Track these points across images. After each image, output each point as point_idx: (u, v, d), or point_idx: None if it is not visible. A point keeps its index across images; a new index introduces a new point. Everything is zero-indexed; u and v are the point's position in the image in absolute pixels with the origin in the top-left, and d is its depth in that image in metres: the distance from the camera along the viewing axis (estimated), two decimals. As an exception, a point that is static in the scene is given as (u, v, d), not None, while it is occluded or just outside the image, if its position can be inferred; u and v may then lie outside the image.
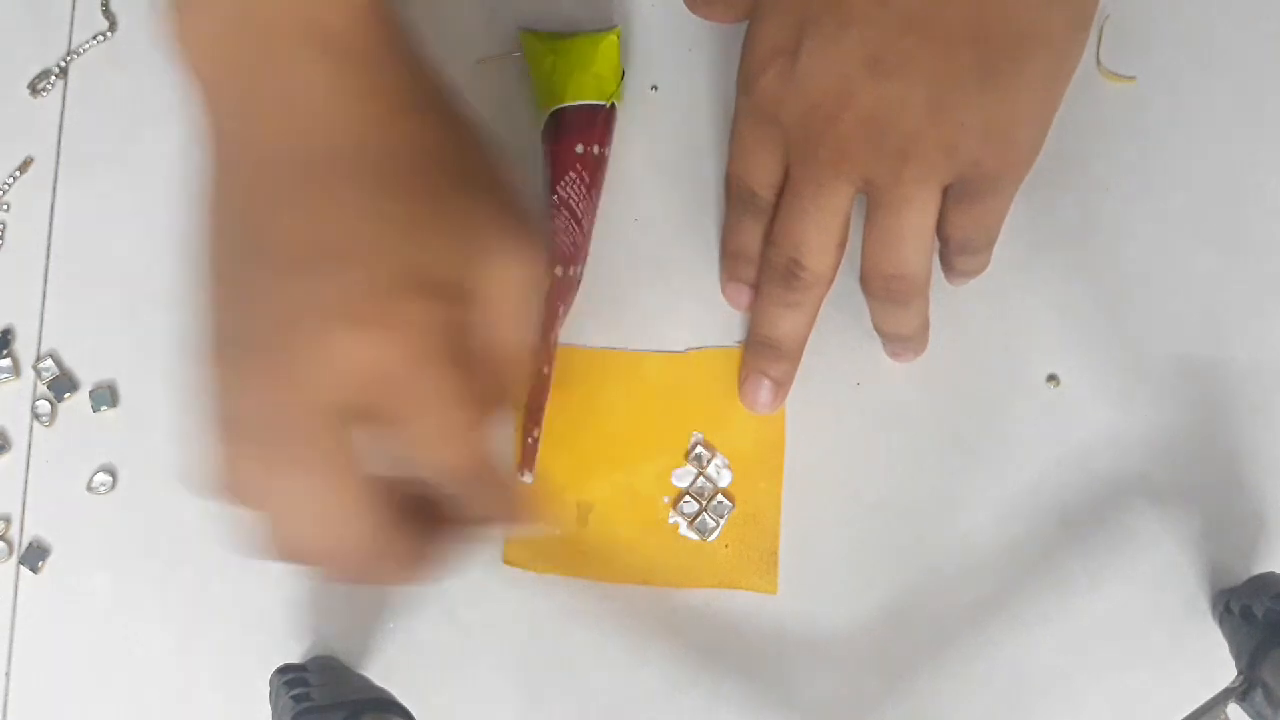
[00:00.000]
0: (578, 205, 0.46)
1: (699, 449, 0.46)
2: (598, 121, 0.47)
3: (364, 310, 0.32)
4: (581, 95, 0.46)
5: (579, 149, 0.46)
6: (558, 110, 0.46)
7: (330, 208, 0.33)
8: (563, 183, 0.46)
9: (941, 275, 0.45)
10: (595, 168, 0.47)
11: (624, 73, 0.48)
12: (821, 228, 0.42)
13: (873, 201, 0.41)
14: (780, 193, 0.43)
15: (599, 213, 0.48)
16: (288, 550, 0.34)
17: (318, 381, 0.32)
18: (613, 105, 0.47)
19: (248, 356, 0.32)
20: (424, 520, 0.35)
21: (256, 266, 0.33)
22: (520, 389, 0.36)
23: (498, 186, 0.36)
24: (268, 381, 0.32)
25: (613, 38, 0.47)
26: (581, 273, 0.47)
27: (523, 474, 0.46)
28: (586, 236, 0.47)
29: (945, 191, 0.40)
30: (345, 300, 0.32)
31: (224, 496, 0.34)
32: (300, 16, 0.34)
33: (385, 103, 0.34)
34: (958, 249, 0.43)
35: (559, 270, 0.46)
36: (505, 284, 0.34)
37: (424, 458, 0.33)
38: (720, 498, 0.46)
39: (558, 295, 0.46)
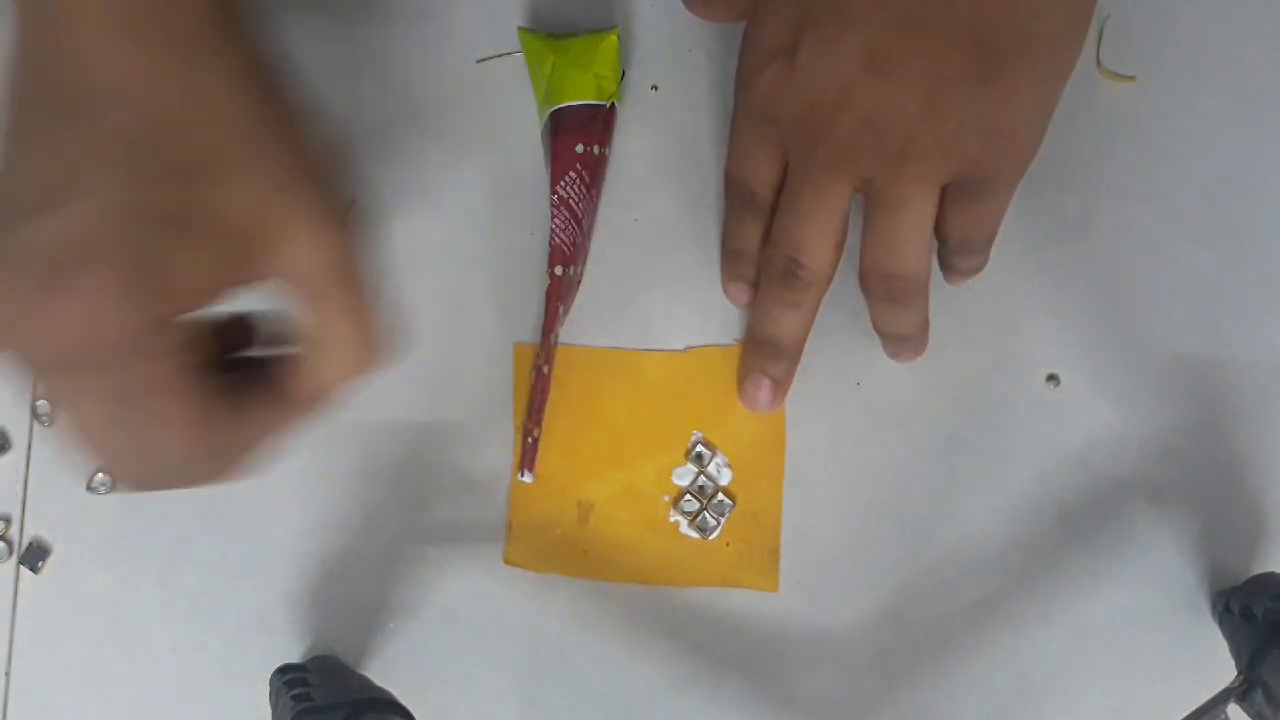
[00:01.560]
0: (578, 205, 0.46)
1: (699, 448, 0.46)
2: (598, 121, 0.47)
3: (56, 268, 0.30)
4: (581, 95, 0.46)
5: (579, 149, 0.46)
6: (558, 110, 0.46)
7: (75, 148, 0.31)
8: (563, 182, 0.46)
9: (941, 275, 0.45)
10: (595, 167, 0.47)
11: (624, 73, 0.48)
12: (820, 227, 0.42)
13: (871, 201, 0.41)
14: (779, 192, 0.43)
15: (599, 212, 0.48)
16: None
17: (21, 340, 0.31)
18: (613, 105, 0.47)
19: None
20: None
21: None
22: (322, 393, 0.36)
23: (284, 175, 0.33)
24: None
25: (613, 38, 0.47)
26: (581, 272, 0.47)
27: (523, 474, 0.46)
28: (586, 236, 0.47)
29: (943, 191, 0.40)
30: (41, 251, 0.30)
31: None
32: None
33: (176, 62, 0.32)
34: (956, 249, 0.43)
35: (559, 270, 0.46)
36: (303, 282, 0.33)
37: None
38: (721, 496, 0.46)
39: (557, 295, 0.46)
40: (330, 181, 0.34)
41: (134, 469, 0.34)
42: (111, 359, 0.31)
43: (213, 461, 0.34)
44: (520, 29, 0.48)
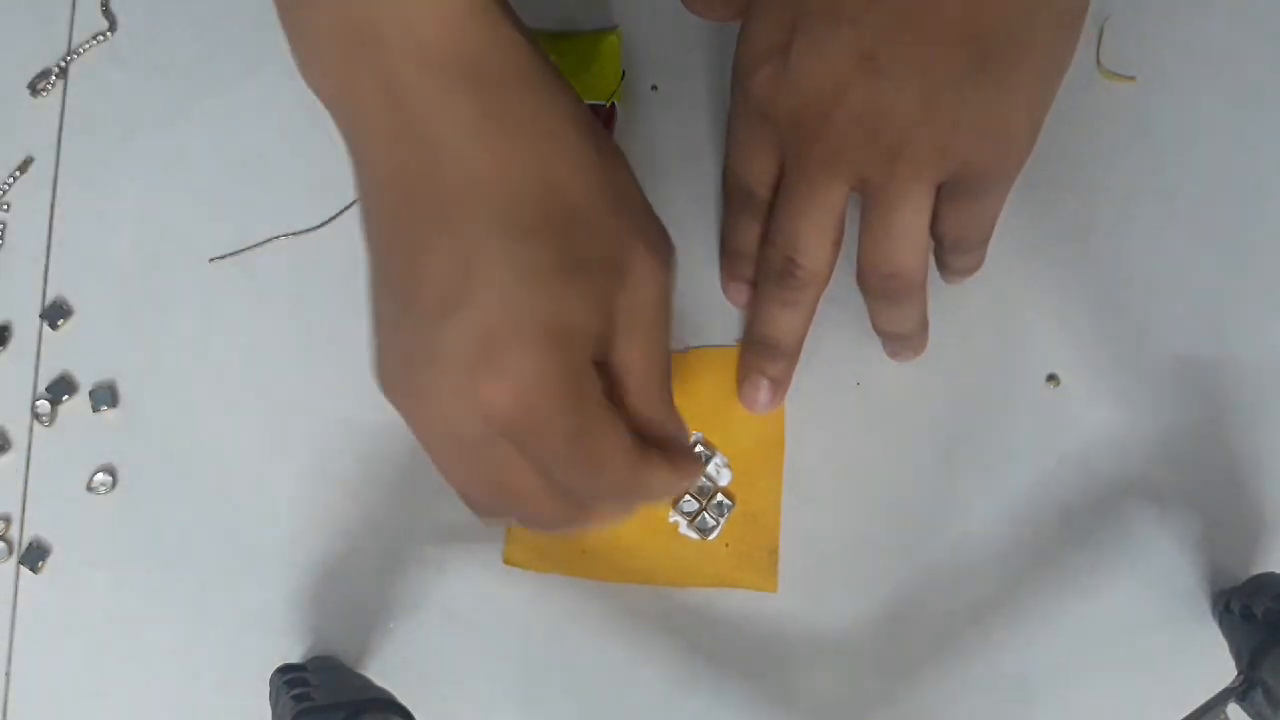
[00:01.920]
0: (578, 205, 0.46)
1: (699, 448, 0.46)
2: (598, 121, 0.47)
3: (472, 357, 0.33)
4: (582, 95, 0.46)
5: (579, 149, 0.46)
6: (558, 110, 0.46)
7: (443, 245, 0.33)
8: (562, 183, 0.46)
9: (939, 275, 0.45)
10: (596, 168, 0.46)
11: (624, 73, 0.48)
12: (816, 226, 0.42)
13: (867, 200, 0.41)
14: (777, 190, 0.43)
15: (599, 213, 0.48)
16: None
17: (447, 418, 0.34)
18: (613, 105, 0.47)
19: (383, 387, 0.35)
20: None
21: (380, 293, 0.35)
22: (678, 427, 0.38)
23: (611, 217, 0.35)
24: (402, 414, 0.35)
25: (613, 38, 0.47)
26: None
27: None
28: (586, 236, 0.47)
29: (939, 190, 0.40)
30: (453, 345, 0.33)
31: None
32: (420, 37, 0.33)
33: (514, 131, 0.34)
34: (951, 247, 0.43)
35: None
36: (636, 317, 0.35)
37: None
38: (720, 497, 0.46)
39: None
40: (656, 221, 0.37)
41: (574, 515, 0.36)
42: (548, 416, 0.33)
43: (646, 491, 0.37)
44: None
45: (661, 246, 0.36)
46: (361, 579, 0.46)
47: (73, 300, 0.49)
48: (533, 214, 0.34)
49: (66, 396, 0.48)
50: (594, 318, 0.34)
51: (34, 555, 0.47)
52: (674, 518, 0.46)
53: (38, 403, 0.48)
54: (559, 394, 0.33)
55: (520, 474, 0.35)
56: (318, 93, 0.35)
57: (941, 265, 0.44)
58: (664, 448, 0.36)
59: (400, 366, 0.34)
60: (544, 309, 0.33)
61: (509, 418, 0.33)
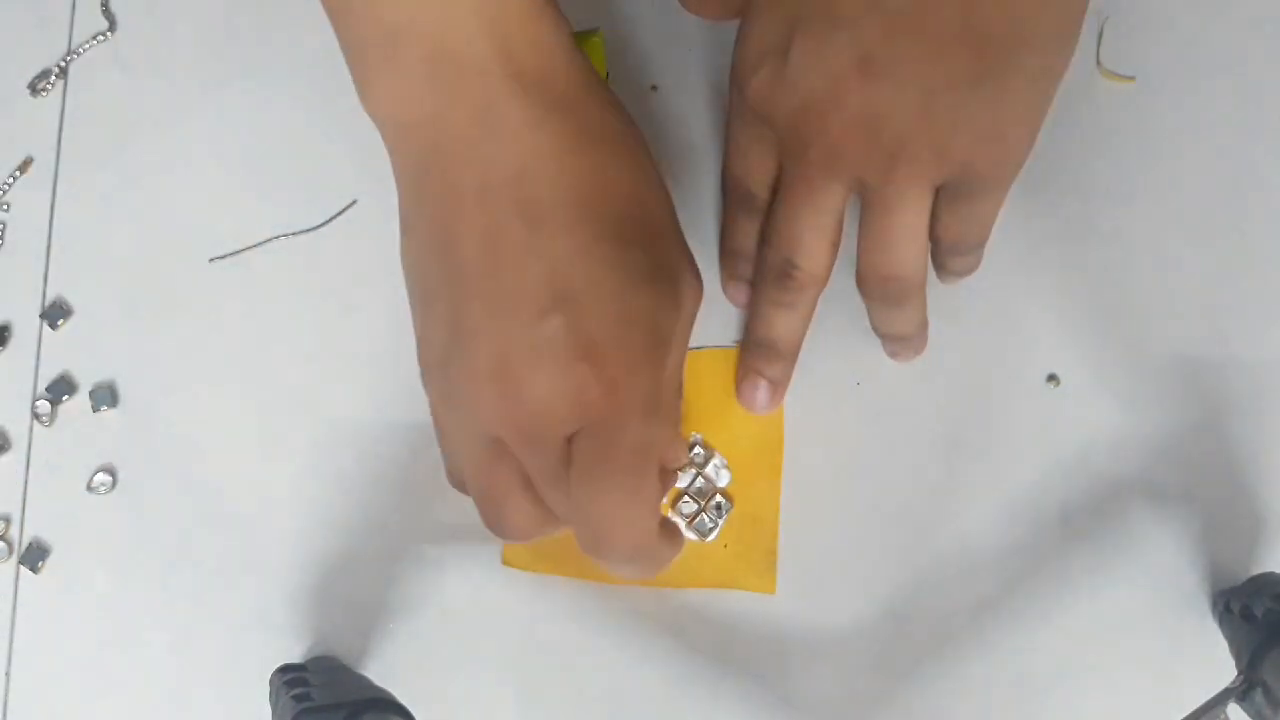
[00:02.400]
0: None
1: (697, 449, 0.46)
2: None
3: (573, 350, 0.35)
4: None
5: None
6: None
7: (545, 248, 0.35)
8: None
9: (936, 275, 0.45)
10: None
11: (609, 74, 0.48)
12: (815, 227, 0.42)
13: (866, 202, 0.41)
14: (776, 191, 0.43)
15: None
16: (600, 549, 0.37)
17: (534, 416, 0.35)
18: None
19: (465, 385, 0.36)
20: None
21: (468, 297, 0.36)
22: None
23: (676, 234, 0.39)
24: (486, 409, 0.35)
25: (596, 40, 0.47)
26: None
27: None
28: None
29: (937, 192, 0.40)
30: (555, 340, 0.35)
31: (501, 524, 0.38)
32: (520, 65, 0.36)
33: (589, 144, 0.37)
34: (950, 249, 0.43)
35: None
36: (682, 331, 0.38)
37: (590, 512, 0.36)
38: (719, 498, 0.46)
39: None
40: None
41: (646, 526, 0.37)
42: (631, 414, 0.35)
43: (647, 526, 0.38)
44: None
45: (696, 266, 0.39)
46: (361, 579, 0.46)
47: (73, 300, 0.49)
48: (629, 225, 0.37)
49: (66, 396, 0.48)
50: (672, 321, 0.37)
51: (34, 555, 0.47)
52: (673, 519, 0.46)
53: (38, 403, 0.48)
54: (647, 395, 0.36)
55: (553, 482, 0.36)
56: (390, 118, 0.37)
57: (939, 266, 0.44)
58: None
59: (489, 362, 0.35)
60: (643, 313, 0.36)
61: (599, 408, 0.35)
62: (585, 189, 0.36)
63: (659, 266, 0.37)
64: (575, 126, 0.37)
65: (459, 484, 0.40)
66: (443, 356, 0.36)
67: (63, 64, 0.50)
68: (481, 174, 0.36)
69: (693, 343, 0.47)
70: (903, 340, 0.45)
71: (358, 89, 0.38)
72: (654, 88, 0.49)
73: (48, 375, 0.48)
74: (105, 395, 0.48)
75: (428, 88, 0.36)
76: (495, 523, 0.38)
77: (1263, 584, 0.43)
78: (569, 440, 0.36)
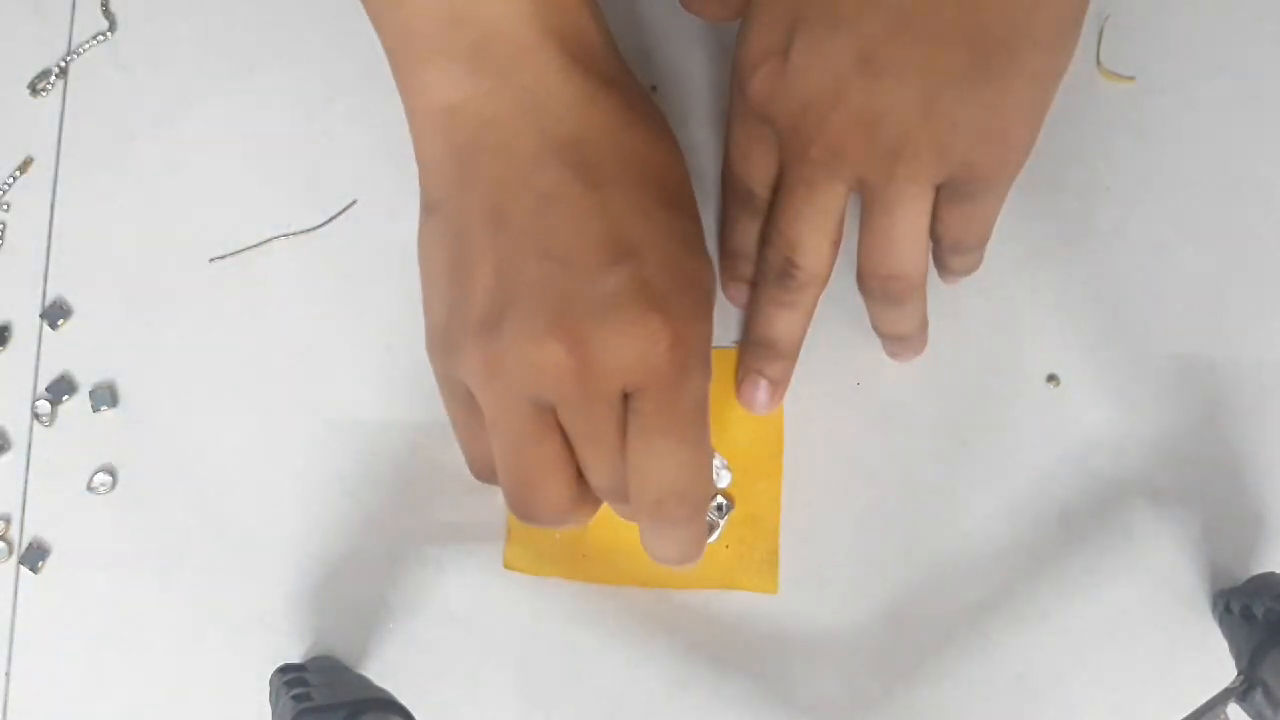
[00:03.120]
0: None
1: (698, 449, 0.46)
2: None
3: (641, 298, 0.35)
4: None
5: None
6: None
7: (607, 206, 0.37)
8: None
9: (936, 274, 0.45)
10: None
11: None
12: (815, 227, 0.42)
13: (866, 201, 0.41)
14: (776, 191, 0.43)
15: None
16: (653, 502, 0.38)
17: (598, 369, 0.35)
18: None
19: (521, 344, 0.36)
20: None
21: (524, 258, 0.36)
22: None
23: (699, 215, 0.40)
24: (546, 364, 0.35)
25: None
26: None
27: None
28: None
29: (938, 191, 0.40)
30: (622, 290, 0.35)
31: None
32: (546, 35, 0.37)
33: (636, 120, 0.39)
34: (950, 248, 0.43)
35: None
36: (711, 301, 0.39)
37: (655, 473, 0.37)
38: (720, 498, 0.46)
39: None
40: None
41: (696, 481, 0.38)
42: (690, 368, 0.37)
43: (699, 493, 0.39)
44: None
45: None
46: (361, 579, 0.46)
47: (73, 300, 0.49)
48: (678, 192, 0.39)
49: (66, 396, 0.48)
50: (714, 294, 0.39)
51: (34, 555, 0.47)
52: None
53: (38, 403, 0.48)
54: (703, 349, 0.37)
55: (606, 439, 0.37)
56: (436, 103, 0.38)
57: (940, 265, 0.44)
58: None
59: (550, 317, 0.36)
60: (698, 273, 0.38)
61: (663, 361, 0.36)
62: (638, 158, 0.38)
63: (700, 236, 0.39)
64: (623, 103, 0.38)
65: (484, 469, 0.39)
66: (488, 321, 0.36)
67: (63, 64, 0.50)
68: (538, 142, 0.37)
69: (693, 343, 0.47)
70: (903, 340, 0.45)
71: (401, 83, 0.39)
72: (654, 88, 0.49)
73: (48, 375, 0.48)
74: (105, 395, 0.48)
75: (480, 69, 0.37)
76: (529, 503, 0.38)
77: (1263, 584, 0.43)
78: (625, 399, 0.36)
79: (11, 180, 0.50)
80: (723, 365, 0.47)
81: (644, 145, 0.38)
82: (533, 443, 0.37)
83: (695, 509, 0.39)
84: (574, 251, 0.36)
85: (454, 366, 0.38)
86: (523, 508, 0.38)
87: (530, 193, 0.37)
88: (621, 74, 0.40)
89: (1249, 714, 0.40)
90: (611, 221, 0.36)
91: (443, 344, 0.38)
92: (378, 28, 0.39)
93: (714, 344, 0.46)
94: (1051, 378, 0.47)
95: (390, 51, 0.39)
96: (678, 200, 0.39)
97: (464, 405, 0.39)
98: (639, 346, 0.35)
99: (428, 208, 0.39)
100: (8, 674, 0.47)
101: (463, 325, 0.37)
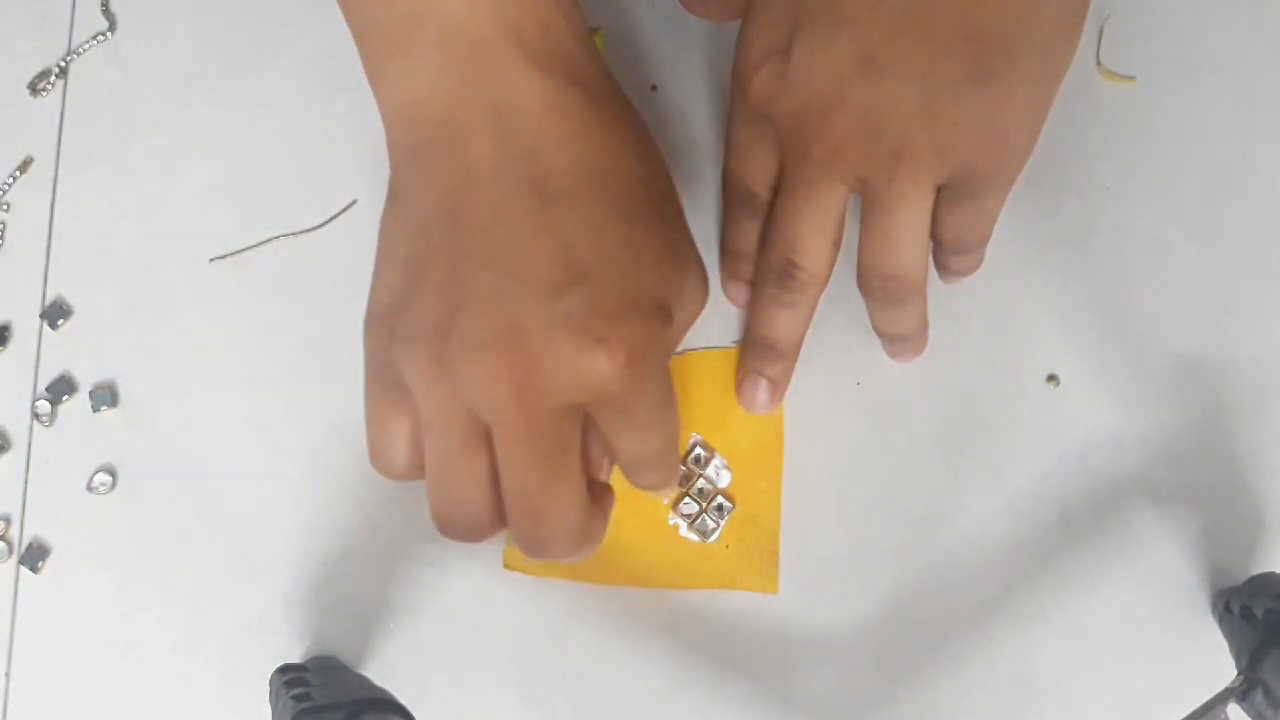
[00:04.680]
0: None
1: (698, 450, 0.46)
2: None
3: (589, 326, 0.35)
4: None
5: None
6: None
7: (559, 224, 0.36)
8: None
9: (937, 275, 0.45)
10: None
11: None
12: (816, 227, 0.42)
13: (867, 201, 0.41)
14: (777, 191, 0.43)
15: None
16: (539, 544, 0.37)
17: (549, 385, 0.35)
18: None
19: (469, 353, 0.35)
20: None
21: (476, 267, 0.35)
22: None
23: (683, 226, 0.40)
24: (490, 378, 0.35)
25: (596, 40, 0.47)
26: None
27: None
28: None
29: (939, 191, 0.40)
30: (571, 315, 0.35)
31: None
32: (509, 35, 0.36)
33: (600, 126, 0.37)
34: (951, 249, 0.43)
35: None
36: (688, 314, 0.39)
37: (629, 456, 0.38)
38: (720, 499, 0.46)
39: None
40: None
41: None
42: (644, 384, 0.36)
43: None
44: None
45: (705, 272, 0.40)
46: (361, 579, 0.46)
47: (73, 300, 0.49)
48: (639, 206, 0.37)
49: (66, 396, 0.48)
50: (677, 314, 0.38)
51: (34, 555, 0.47)
52: (674, 520, 0.46)
53: (38, 403, 0.48)
54: (658, 365, 0.37)
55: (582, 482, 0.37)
56: (401, 97, 0.37)
57: (941, 266, 0.44)
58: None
59: (499, 332, 0.35)
60: (655, 289, 0.37)
61: (612, 384, 0.35)
62: (597, 169, 0.37)
63: (668, 251, 0.38)
64: (587, 108, 0.37)
65: (384, 459, 0.38)
66: (440, 324, 0.36)
67: (63, 64, 0.50)
68: (495, 148, 0.36)
69: (693, 343, 0.47)
70: (903, 340, 0.45)
71: (369, 74, 0.38)
72: (654, 88, 0.49)
73: (48, 375, 0.48)
74: (105, 395, 0.48)
75: (443, 67, 0.37)
76: (448, 510, 0.37)
77: (1263, 584, 0.43)
78: (560, 418, 0.36)
79: (11, 180, 0.50)
80: (723, 365, 0.47)
81: (607, 154, 0.37)
82: (461, 455, 0.36)
83: (671, 474, 0.40)
84: (525, 269, 0.35)
85: (394, 356, 0.37)
86: (442, 513, 0.38)
87: (485, 202, 0.36)
88: (592, 74, 0.38)
89: (1249, 714, 0.40)
90: (562, 240, 0.36)
91: (383, 327, 0.37)
92: (347, 19, 0.39)
93: (714, 344, 0.47)
94: (1051, 378, 0.47)
95: (358, 43, 0.39)
96: (640, 211, 0.37)
97: (386, 392, 0.38)
98: (586, 374, 0.35)
99: (392, 193, 0.39)
100: (8, 674, 0.47)
101: (414, 321, 0.36)
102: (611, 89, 0.39)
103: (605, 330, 0.35)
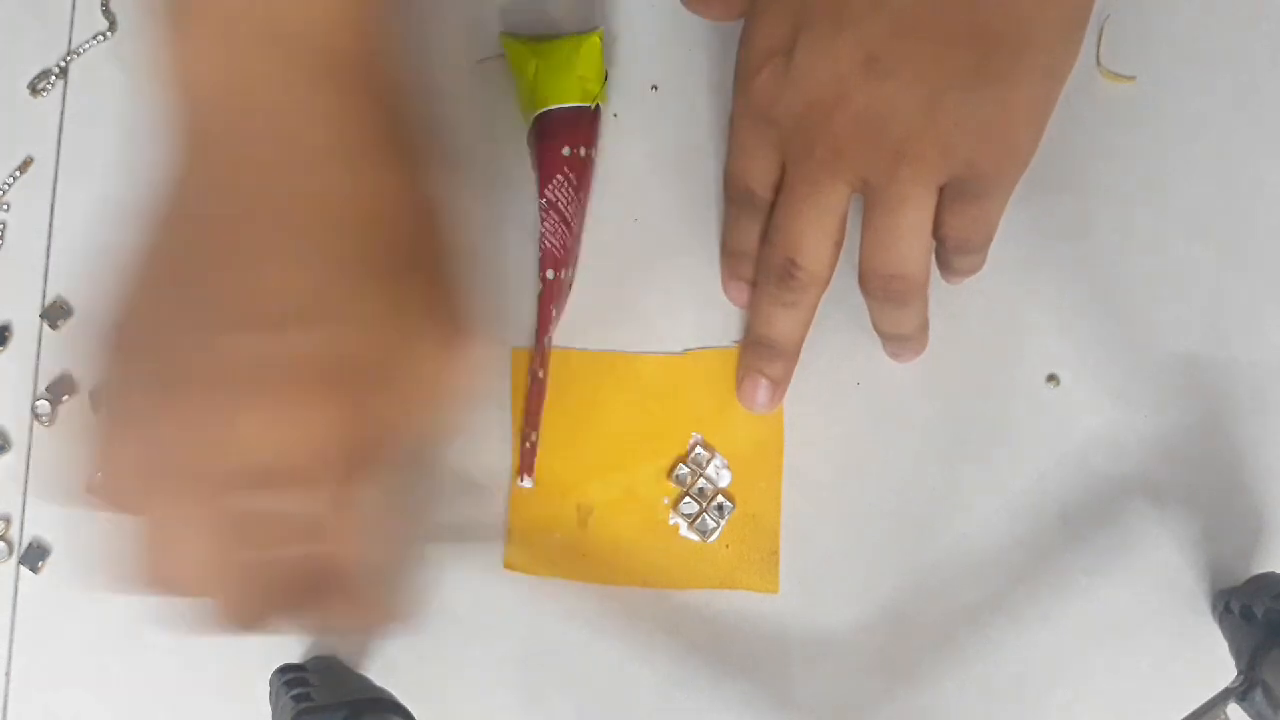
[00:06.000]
0: (566, 208, 0.46)
1: (698, 450, 0.46)
2: (583, 123, 0.47)
3: (269, 388, 0.33)
4: (566, 98, 0.46)
5: (565, 151, 0.46)
6: (543, 114, 0.46)
7: (280, 265, 0.34)
8: (550, 185, 0.46)
9: (939, 274, 0.45)
10: (582, 169, 0.46)
11: (607, 73, 0.48)
12: (817, 227, 0.42)
13: (869, 201, 0.41)
14: (779, 191, 0.43)
15: (597, 213, 0.48)
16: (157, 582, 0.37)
17: (225, 448, 0.33)
18: (597, 107, 0.47)
19: (166, 402, 0.35)
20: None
21: (198, 308, 0.35)
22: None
23: (444, 264, 0.37)
24: (167, 438, 0.35)
25: (595, 39, 0.47)
26: (572, 275, 0.47)
27: (522, 479, 0.46)
28: (576, 239, 0.47)
29: (941, 191, 0.40)
30: (255, 371, 0.33)
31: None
32: (334, 45, 0.36)
33: (364, 150, 0.36)
34: (954, 249, 0.43)
35: (549, 273, 0.46)
36: (423, 377, 0.36)
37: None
38: (720, 498, 0.46)
39: (550, 299, 0.46)
40: None
41: None
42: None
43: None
44: (502, 35, 0.48)
45: (453, 330, 0.37)
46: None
47: (73, 300, 0.49)
48: (368, 247, 0.35)
49: (66, 396, 0.48)
50: (383, 356, 0.35)
51: (34, 555, 0.47)
52: (674, 520, 0.46)
53: (38, 403, 0.48)
54: (347, 437, 0.34)
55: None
56: (185, 80, 0.38)
57: (943, 266, 0.44)
58: None
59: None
60: (345, 340, 0.35)
61: (290, 458, 0.33)
62: (342, 199, 0.35)
63: (431, 296, 0.36)
64: (352, 118, 0.36)
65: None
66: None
67: (63, 64, 0.50)
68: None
69: (692, 344, 0.47)
70: (904, 340, 0.45)
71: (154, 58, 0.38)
72: (654, 88, 0.49)
73: (48, 375, 0.48)
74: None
75: (241, 55, 0.37)
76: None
77: (1263, 584, 0.43)
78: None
79: (11, 180, 0.50)
80: (723, 365, 0.47)
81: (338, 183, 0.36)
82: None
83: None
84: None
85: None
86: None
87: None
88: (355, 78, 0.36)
89: (1249, 714, 0.40)
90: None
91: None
92: None
93: (714, 344, 0.47)
94: (1051, 378, 0.47)
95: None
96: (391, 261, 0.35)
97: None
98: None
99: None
100: (8, 674, 0.47)
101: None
102: (381, 99, 0.37)
103: (272, 390, 0.34)
